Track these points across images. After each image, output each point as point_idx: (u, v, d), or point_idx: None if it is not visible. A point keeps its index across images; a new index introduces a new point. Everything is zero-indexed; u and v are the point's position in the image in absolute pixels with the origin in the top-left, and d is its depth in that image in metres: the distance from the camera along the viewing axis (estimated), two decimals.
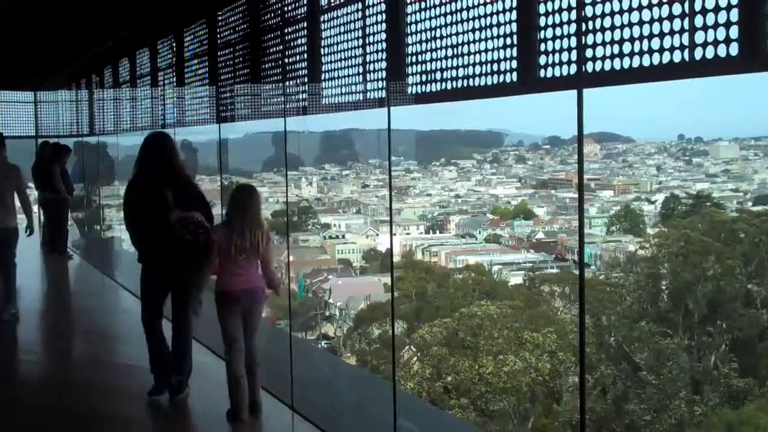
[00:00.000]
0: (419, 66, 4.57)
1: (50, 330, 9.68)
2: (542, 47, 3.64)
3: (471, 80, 4.13)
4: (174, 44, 9.58)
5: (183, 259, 6.02)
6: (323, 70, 5.79)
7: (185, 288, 6.20)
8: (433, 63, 4.43)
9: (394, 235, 39.21)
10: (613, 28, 3.25)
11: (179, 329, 6.36)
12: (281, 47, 6.54)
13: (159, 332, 6.36)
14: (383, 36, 4.94)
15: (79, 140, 15.65)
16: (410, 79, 4.68)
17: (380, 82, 5.02)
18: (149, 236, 6.18)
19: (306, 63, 6.08)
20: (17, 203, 9.59)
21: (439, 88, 4.41)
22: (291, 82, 6.40)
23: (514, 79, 3.85)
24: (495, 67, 3.95)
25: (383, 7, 4.93)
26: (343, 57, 5.46)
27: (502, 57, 3.91)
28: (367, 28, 5.12)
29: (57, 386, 7.29)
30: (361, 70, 5.23)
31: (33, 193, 13.99)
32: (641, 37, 3.13)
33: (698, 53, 2.91)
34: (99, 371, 7.78)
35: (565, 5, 3.51)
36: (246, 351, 5.89)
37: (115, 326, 10.16)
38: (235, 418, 5.83)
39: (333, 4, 5.65)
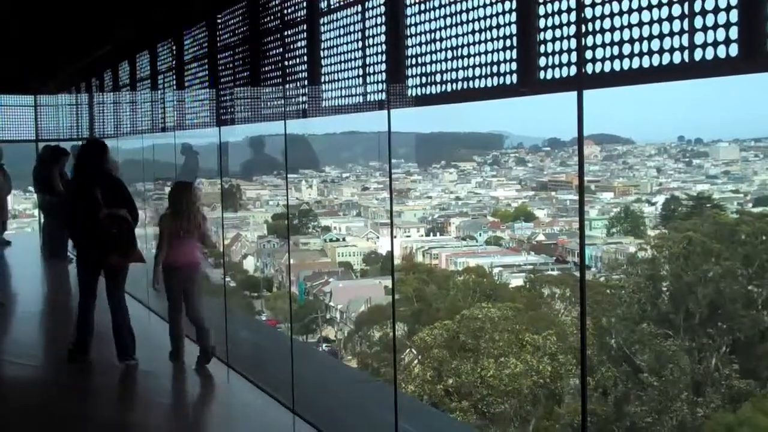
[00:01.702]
0: (419, 68, 4.56)
1: (49, 333, 9.68)
2: (542, 49, 3.64)
3: (471, 82, 4.13)
4: (174, 47, 9.58)
5: (110, 249, 7.12)
6: (323, 72, 5.79)
7: (115, 273, 7.36)
8: (433, 65, 4.43)
9: (395, 237, 39.23)
10: (613, 29, 3.25)
11: (114, 310, 7.38)
12: (281, 50, 6.54)
13: (91, 310, 7.37)
14: (383, 38, 4.94)
15: (79, 144, 15.65)
16: (410, 81, 4.67)
17: (380, 84, 5.01)
18: (83, 229, 7.24)
19: (306, 65, 6.08)
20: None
21: (439, 90, 4.40)
22: (291, 85, 6.40)
23: (514, 80, 3.85)
24: (495, 68, 3.95)
25: (383, 9, 4.93)
26: (342, 59, 5.46)
27: (502, 59, 3.90)
28: (367, 31, 5.12)
29: (55, 389, 7.29)
30: (360, 72, 5.23)
31: (32, 197, 14.01)
32: (641, 39, 3.12)
33: (698, 54, 2.91)
34: (98, 374, 7.77)
35: (564, 7, 3.51)
36: (193, 315, 7.39)
37: None
38: (176, 358, 7.43)
39: (333, 7, 5.65)
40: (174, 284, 7.37)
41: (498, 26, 3.91)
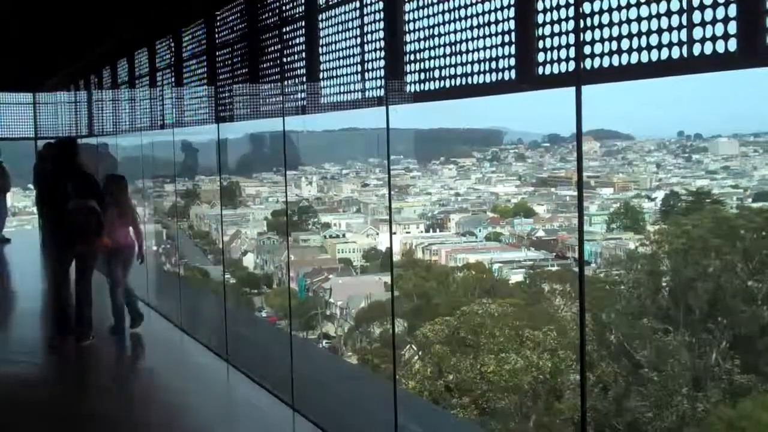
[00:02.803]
0: (417, 64, 4.56)
1: (49, 330, 9.67)
2: (540, 44, 3.64)
3: (469, 78, 4.12)
4: (172, 44, 9.57)
5: (77, 237, 7.84)
6: (322, 69, 5.79)
7: (83, 262, 8.05)
8: (432, 61, 4.42)
9: (394, 234, 39.24)
10: (611, 24, 3.25)
11: (79, 297, 8.07)
12: (279, 46, 6.53)
13: (70, 295, 8.08)
14: (381, 34, 4.93)
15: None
16: (409, 78, 4.67)
17: (379, 80, 5.01)
18: (55, 218, 8.12)
19: (304, 62, 6.07)
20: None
21: (437, 86, 4.40)
22: (289, 82, 6.39)
23: (513, 76, 3.85)
24: (493, 64, 3.94)
25: (381, 5, 4.92)
26: (341, 56, 5.45)
27: (500, 54, 3.90)
28: (365, 27, 5.11)
29: (56, 385, 7.30)
30: (359, 68, 5.23)
31: (31, 194, 14.02)
32: (639, 34, 3.12)
33: (697, 49, 2.90)
34: (97, 371, 7.78)
35: (563, 2, 3.50)
36: (125, 287, 8.59)
37: None
38: (121, 332, 8.43)
39: (331, 3, 5.64)
40: (115, 264, 8.43)
41: (496, 21, 3.91)
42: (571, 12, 3.46)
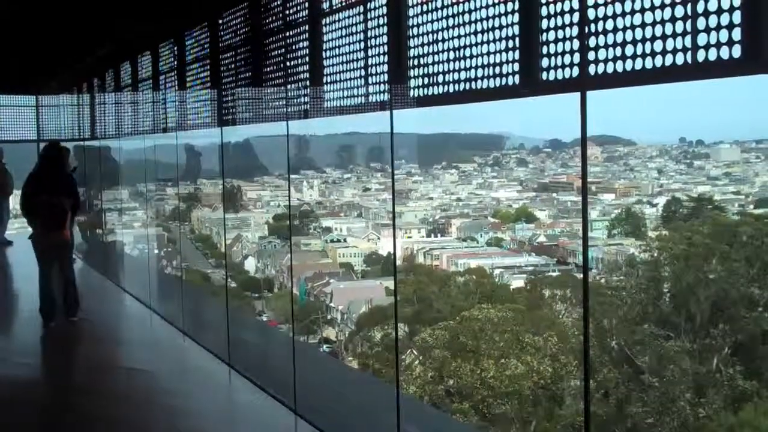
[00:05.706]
0: (421, 69, 4.56)
1: (52, 333, 9.68)
2: (545, 50, 3.64)
3: (473, 83, 4.13)
4: (175, 48, 9.58)
5: (51, 229, 8.86)
6: (325, 73, 5.79)
7: (59, 250, 9.11)
8: (435, 66, 4.43)
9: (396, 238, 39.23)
10: (615, 30, 3.25)
11: (63, 279, 9.21)
12: (283, 50, 6.54)
13: (50, 281, 9.10)
14: (385, 39, 4.94)
15: (80, 144, 15.67)
16: (412, 82, 4.67)
17: (382, 85, 5.01)
18: (35, 213, 9.03)
19: (308, 66, 6.08)
20: None
21: (441, 91, 4.40)
22: (293, 86, 6.40)
23: (517, 81, 3.85)
24: (497, 69, 3.95)
25: (385, 9, 4.93)
26: (345, 60, 5.46)
27: (504, 60, 3.90)
28: (369, 31, 5.12)
29: (57, 387, 7.30)
30: (363, 73, 5.23)
31: None
32: (644, 40, 3.13)
33: (701, 55, 2.91)
34: (101, 374, 7.78)
35: (567, 8, 3.51)
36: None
37: (118, 330, 10.18)
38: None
39: (335, 7, 5.65)
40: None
41: (501, 27, 3.91)
42: (576, 17, 3.47)
